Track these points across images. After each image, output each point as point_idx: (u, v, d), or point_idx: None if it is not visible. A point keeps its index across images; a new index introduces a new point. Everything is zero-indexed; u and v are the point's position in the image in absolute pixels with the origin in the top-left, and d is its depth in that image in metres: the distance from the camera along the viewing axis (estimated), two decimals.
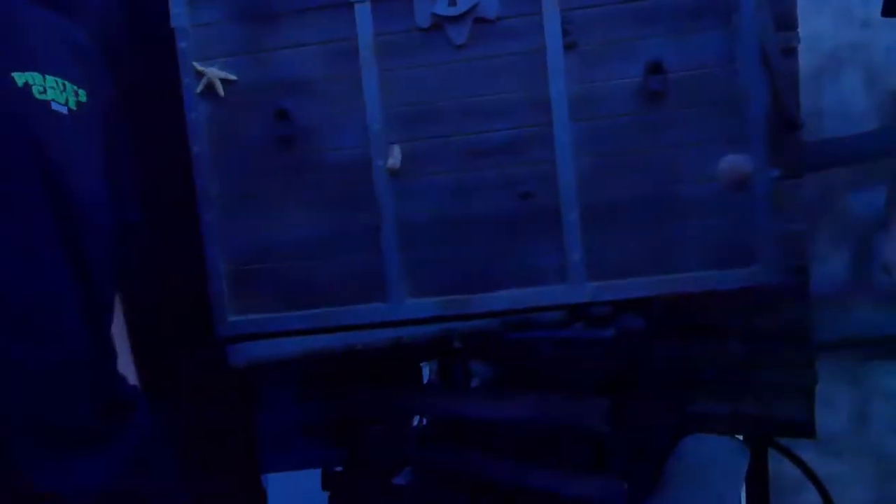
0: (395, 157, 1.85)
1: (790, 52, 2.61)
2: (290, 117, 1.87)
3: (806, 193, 2.53)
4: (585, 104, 1.82)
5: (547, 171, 1.84)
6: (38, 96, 1.09)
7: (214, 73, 1.88)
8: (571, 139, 1.82)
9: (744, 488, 2.41)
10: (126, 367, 1.40)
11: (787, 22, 2.61)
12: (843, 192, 2.67)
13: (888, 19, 2.30)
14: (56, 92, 1.11)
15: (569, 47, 1.82)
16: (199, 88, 1.89)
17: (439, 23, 1.83)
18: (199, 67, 1.88)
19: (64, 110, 1.12)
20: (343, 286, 1.90)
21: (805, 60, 2.65)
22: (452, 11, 1.82)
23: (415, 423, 2.40)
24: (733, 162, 1.81)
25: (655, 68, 1.79)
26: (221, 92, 1.88)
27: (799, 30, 2.58)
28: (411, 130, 1.86)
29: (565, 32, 1.82)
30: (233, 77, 1.88)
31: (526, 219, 1.85)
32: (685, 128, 1.81)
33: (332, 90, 1.87)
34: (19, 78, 1.06)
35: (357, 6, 1.84)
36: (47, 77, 1.10)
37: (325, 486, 2.30)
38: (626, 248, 1.84)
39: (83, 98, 1.17)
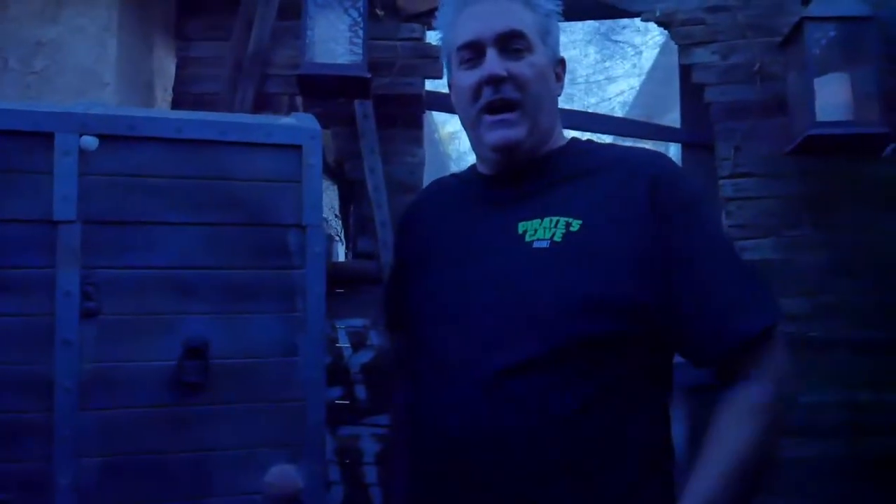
0: None
1: None
2: None
3: None
4: (101, 389, 1.43)
5: (38, 472, 1.41)
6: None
7: None
8: (74, 434, 1.41)
9: None
10: None
11: None
12: None
13: None
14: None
15: (87, 314, 1.43)
16: None
17: None
18: None
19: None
20: None
21: None
22: None
23: None
24: (282, 474, 1.49)
25: (195, 353, 1.45)
26: None
27: None
28: None
29: (85, 296, 1.43)
30: None
31: None
32: (226, 427, 1.47)
33: None
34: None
35: None
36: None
37: None
38: None
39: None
